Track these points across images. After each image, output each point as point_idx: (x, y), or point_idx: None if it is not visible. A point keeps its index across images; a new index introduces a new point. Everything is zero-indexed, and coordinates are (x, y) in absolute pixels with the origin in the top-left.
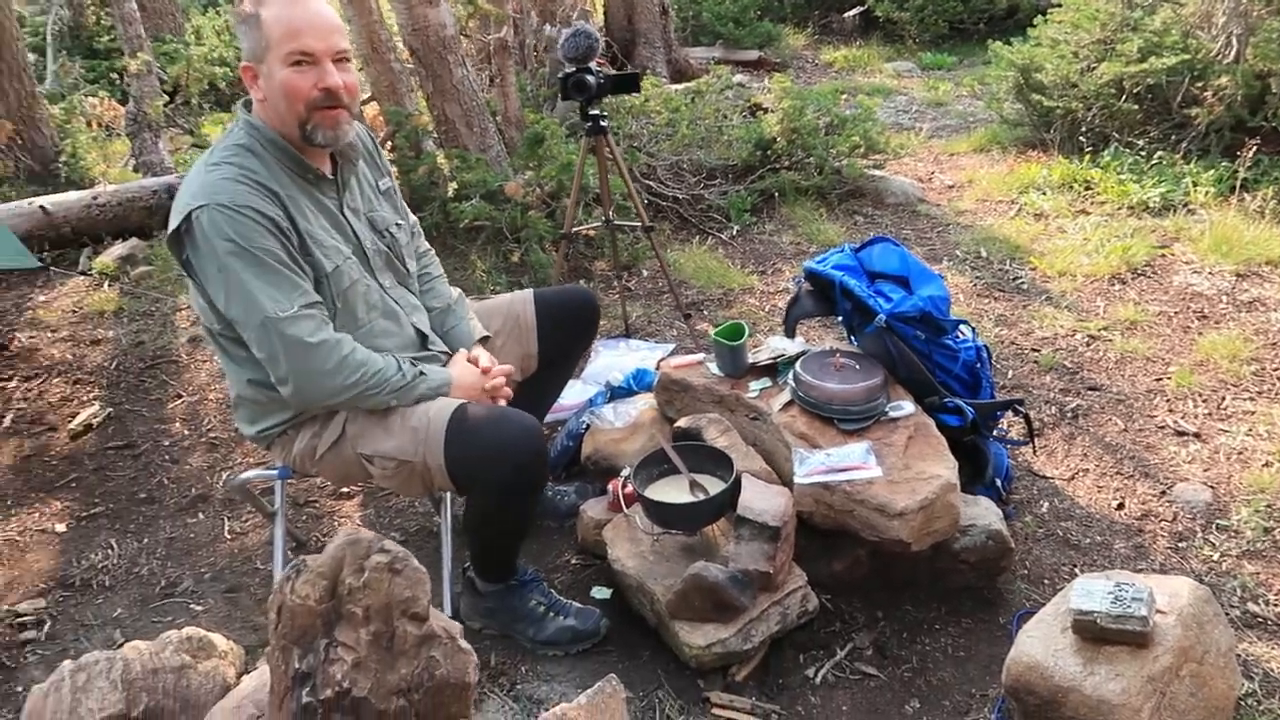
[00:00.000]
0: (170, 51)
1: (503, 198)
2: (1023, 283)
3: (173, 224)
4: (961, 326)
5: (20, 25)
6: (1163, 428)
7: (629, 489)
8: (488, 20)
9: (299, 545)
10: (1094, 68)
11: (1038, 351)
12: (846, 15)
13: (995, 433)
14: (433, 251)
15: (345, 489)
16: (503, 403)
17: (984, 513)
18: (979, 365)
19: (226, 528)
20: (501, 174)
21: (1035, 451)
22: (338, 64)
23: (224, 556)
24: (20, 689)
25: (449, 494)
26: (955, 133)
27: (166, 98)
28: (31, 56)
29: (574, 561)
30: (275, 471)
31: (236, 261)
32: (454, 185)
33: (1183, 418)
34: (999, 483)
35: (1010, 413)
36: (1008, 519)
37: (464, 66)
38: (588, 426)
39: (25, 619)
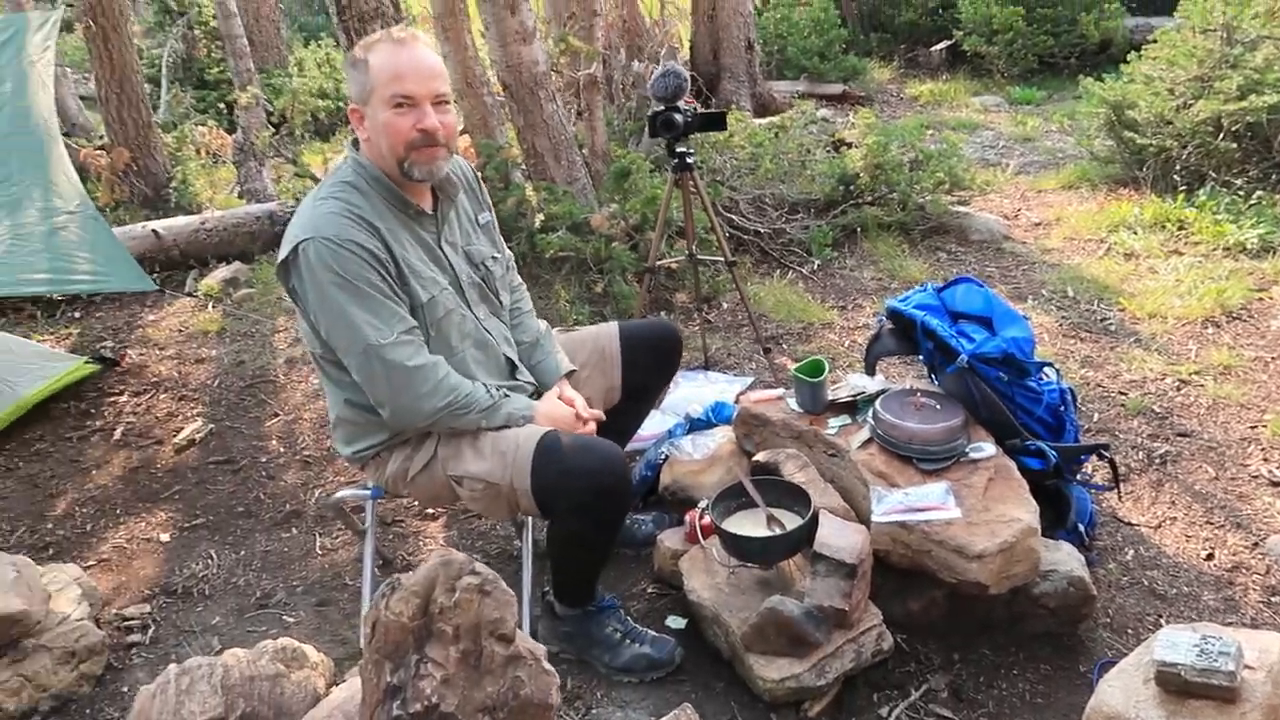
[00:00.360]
0: (276, 84)
1: (588, 230)
2: (1111, 324)
3: (282, 254)
4: (1046, 368)
5: (138, 58)
6: (1256, 477)
7: (706, 521)
8: (578, 57)
9: (386, 564)
10: (1190, 105)
11: (1125, 395)
12: (933, 49)
13: (1079, 477)
14: (524, 286)
15: (430, 511)
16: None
17: (1066, 558)
18: (1063, 408)
19: (318, 543)
20: (587, 206)
21: (1121, 498)
22: (437, 107)
23: (315, 571)
24: (126, 689)
25: (531, 518)
26: (1043, 169)
27: (272, 129)
28: (147, 87)
29: (650, 590)
30: (368, 491)
31: (339, 292)
32: (541, 217)
33: (1278, 467)
34: (1082, 528)
35: (1095, 457)
36: (1090, 565)
37: (554, 101)
38: (666, 457)
39: (131, 623)
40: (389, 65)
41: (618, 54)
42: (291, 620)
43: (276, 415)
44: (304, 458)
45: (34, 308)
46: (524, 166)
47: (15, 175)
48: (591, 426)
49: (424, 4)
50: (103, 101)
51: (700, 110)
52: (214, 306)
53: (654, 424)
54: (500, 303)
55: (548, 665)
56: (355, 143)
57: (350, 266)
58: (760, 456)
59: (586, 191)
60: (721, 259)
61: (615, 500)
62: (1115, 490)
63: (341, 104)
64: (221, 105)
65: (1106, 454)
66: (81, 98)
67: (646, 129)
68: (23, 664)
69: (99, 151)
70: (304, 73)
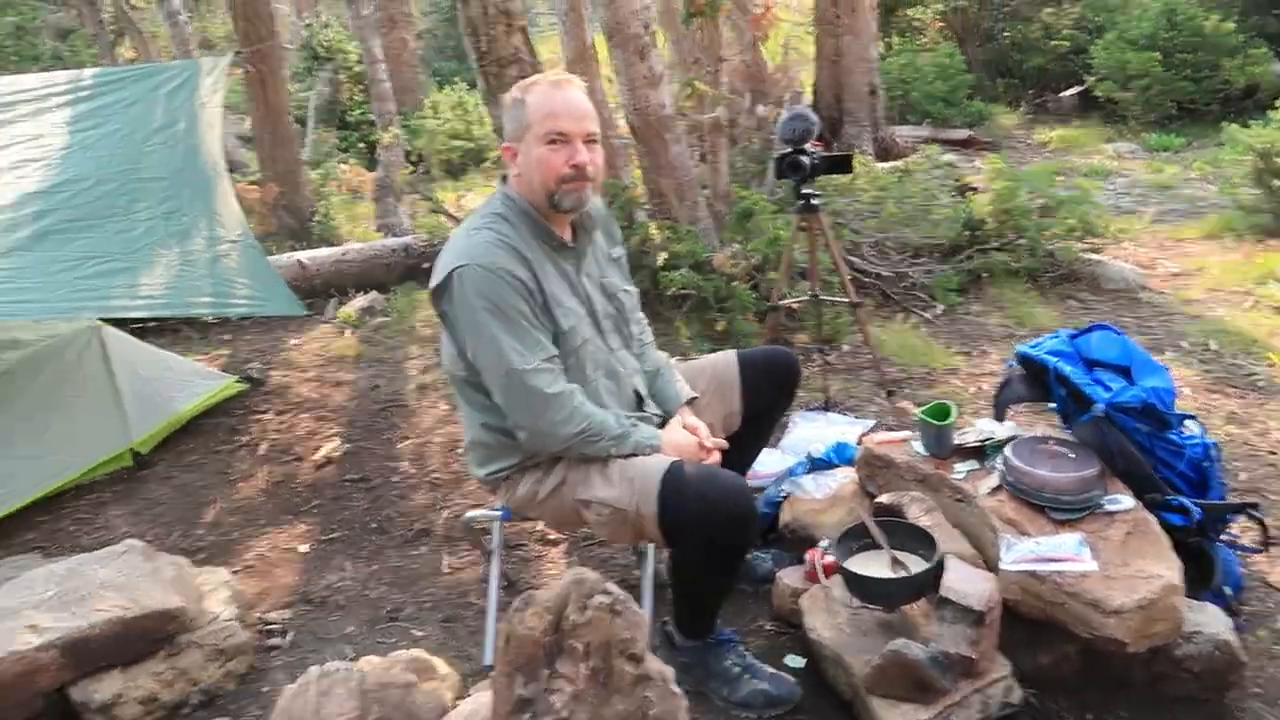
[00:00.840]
0: (413, 125)
1: (710, 269)
2: (1258, 379)
3: (435, 279)
4: (1188, 421)
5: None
6: None
7: (828, 560)
8: (703, 100)
9: (510, 585)
10: None
11: (1275, 454)
12: (1063, 95)
13: (1225, 537)
14: (646, 320)
15: (553, 537)
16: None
17: (1211, 620)
18: (1207, 464)
19: (445, 562)
20: (709, 246)
21: (1271, 561)
22: (587, 145)
23: (442, 588)
24: (266, 689)
25: (653, 547)
26: (1183, 218)
27: (410, 167)
28: (295, 128)
29: (768, 628)
30: (498, 513)
31: (488, 317)
32: (664, 255)
33: None
34: (1228, 591)
35: (1243, 517)
36: (1239, 631)
37: (679, 143)
38: (786, 495)
39: (273, 627)
40: (545, 104)
41: (741, 98)
42: (419, 634)
43: (407, 438)
44: (433, 479)
45: (190, 330)
46: (648, 206)
47: (185, 207)
48: (716, 455)
49: (555, 50)
50: (257, 141)
51: (826, 154)
52: (352, 333)
53: (774, 462)
54: (631, 334)
55: (675, 688)
56: (504, 178)
57: (500, 293)
58: (884, 498)
59: (709, 231)
60: (845, 300)
61: (740, 532)
62: (1265, 552)
63: (474, 144)
64: (361, 145)
65: (1256, 514)
66: (238, 136)
67: (772, 170)
68: (177, 658)
69: (252, 186)
70: (438, 115)
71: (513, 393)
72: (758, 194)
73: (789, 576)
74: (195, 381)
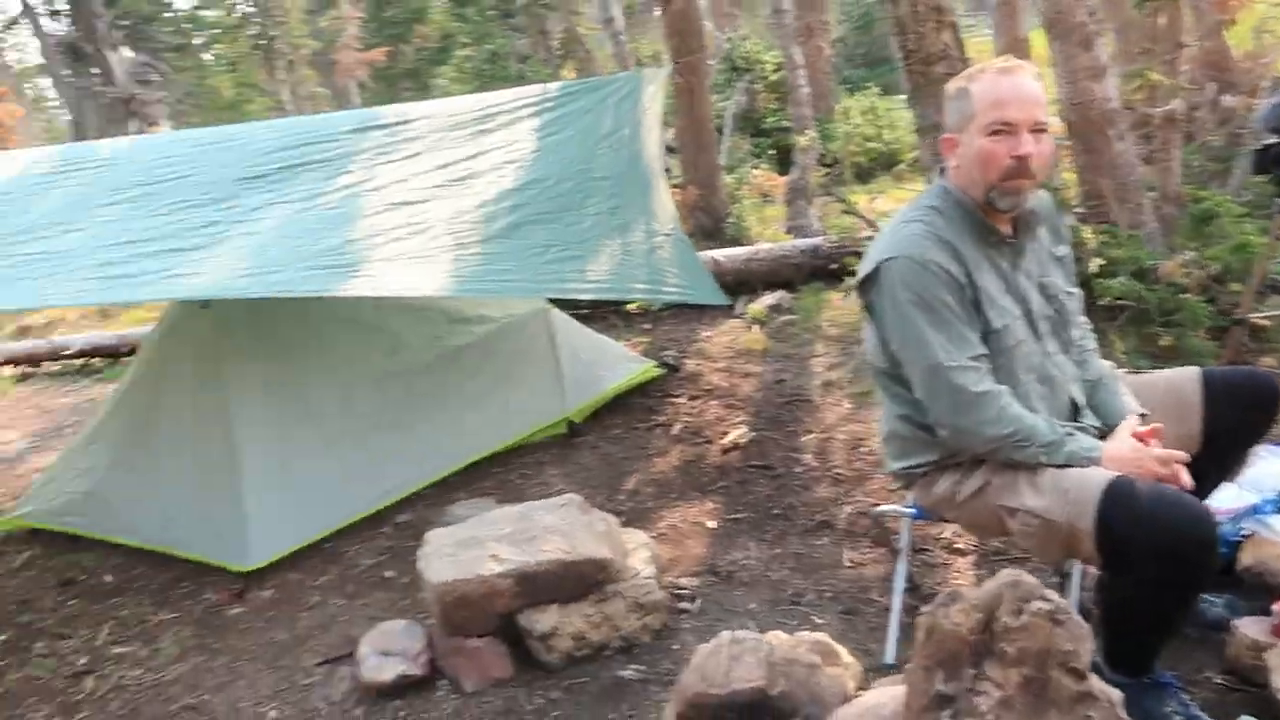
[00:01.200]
0: (827, 131)
1: (1154, 277)
2: None
3: (863, 270)
4: None
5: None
6: None
7: None
8: (1155, 92)
9: (913, 587)
10: None
11: None
12: None
13: None
14: (1089, 324)
15: (960, 545)
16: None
17: None
18: None
19: (845, 556)
20: (1154, 252)
21: None
22: (1034, 134)
23: (843, 581)
24: (676, 647)
25: (1079, 568)
26: None
27: (824, 170)
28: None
29: (1217, 680)
30: (910, 510)
31: (915, 310)
32: (1098, 261)
33: None
34: None
35: None
36: None
37: (1123, 140)
38: (1249, 534)
39: (683, 592)
40: (991, 92)
41: (1201, 89)
42: (819, 621)
43: (811, 432)
44: (835, 474)
45: (615, 318)
46: (1080, 209)
47: (627, 204)
48: (1184, 476)
49: (981, 49)
50: (681, 147)
51: None
52: (759, 328)
53: (1230, 498)
54: (1070, 339)
55: (1123, 714)
56: (942, 170)
57: (929, 286)
58: None
59: (1154, 236)
60: None
61: (1197, 564)
62: None
63: (885, 148)
64: (772, 151)
65: None
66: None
67: (1246, 166)
68: (604, 604)
69: (675, 189)
70: (849, 120)
71: (936, 389)
72: (1220, 195)
73: (1249, 627)
74: (622, 364)
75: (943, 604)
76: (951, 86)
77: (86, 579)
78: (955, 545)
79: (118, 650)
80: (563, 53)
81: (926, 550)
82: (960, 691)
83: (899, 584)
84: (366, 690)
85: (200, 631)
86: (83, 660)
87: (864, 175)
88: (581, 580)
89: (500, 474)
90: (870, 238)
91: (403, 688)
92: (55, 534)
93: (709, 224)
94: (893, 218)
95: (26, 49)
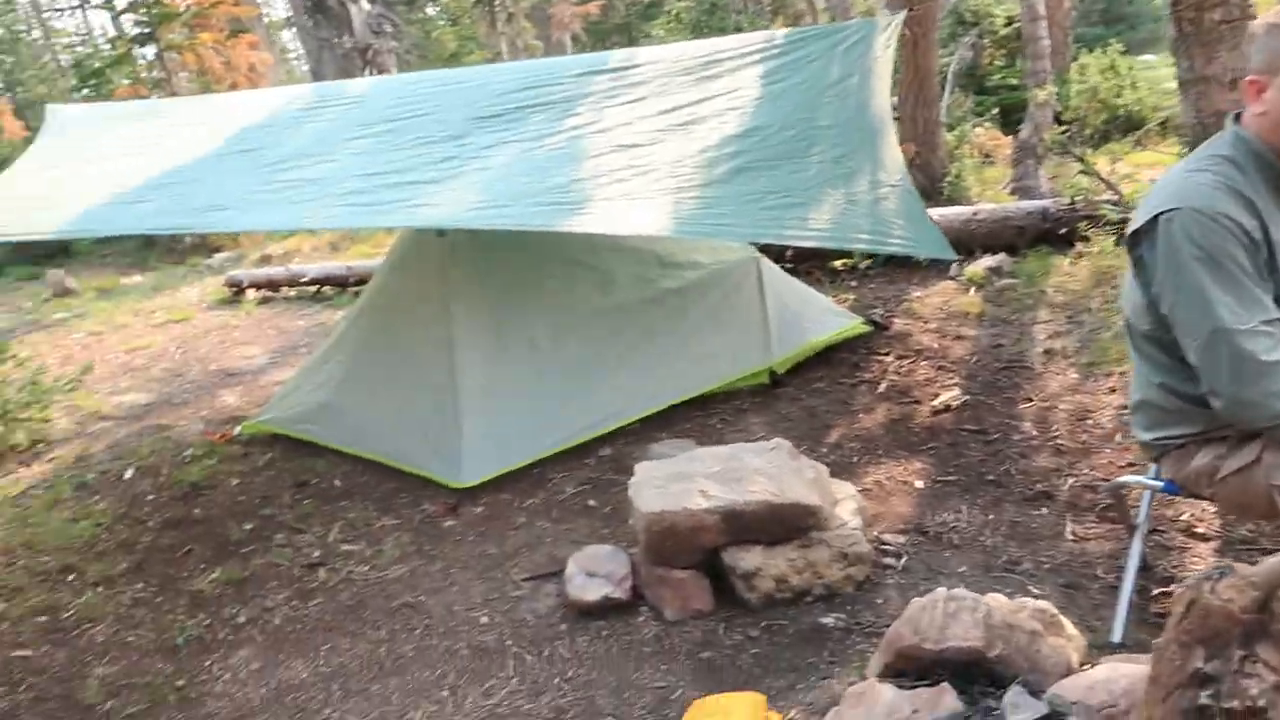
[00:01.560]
0: (1064, 89)
1: None
2: None
3: (1137, 221)
4: None
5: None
6: None
7: None
8: None
9: (1146, 567)
10: None
11: None
12: None
13: None
14: None
15: (1200, 529)
16: None
17: None
18: None
19: (1068, 529)
20: None
21: None
22: None
23: (1064, 554)
24: (880, 600)
25: None
26: None
27: (1059, 127)
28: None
29: None
30: (1158, 483)
31: (1199, 267)
32: None
33: None
34: None
35: None
36: None
37: None
38: None
39: (888, 548)
40: None
41: None
42: (1037, 592)
43: (1030, 400)
44: (1057, 445)
45: (820, 273)
46: None
47: (853, 153)
48: None
49: None
50: (902, 101)
51: None
52: (976, 291)
53: None
54: None
55: None
56: (1237, 117)
57: (1217, 241)
58: None
59: None
60: None
61: None
62: None
63: (1125, 109)
64: (996, 110)
65: None
66: None
67: None
68: (808, 550)
69: None
70: (1085, 78)
71: (1216, 354)
72: None
73: None
74: (828, 318)
75: (1211, 577)
76: (1261, 24)
77: (319, 482)
78: (1195, 529)
79: (346, 548)
80: (774, 5)
81: (1162, 531)
82: (1224, 672)
83: (1134, 561)
84: (571, 607)
85: (418, 538)
86: (316, 553)
87: (1101, 137)
88: (787, 524)
89: (700, 418)
90: (1112, 202)
91: (606, 609)
92: (292, 440)
93: (925, 183)
94: (1171, 169)
95: (275, 3)
